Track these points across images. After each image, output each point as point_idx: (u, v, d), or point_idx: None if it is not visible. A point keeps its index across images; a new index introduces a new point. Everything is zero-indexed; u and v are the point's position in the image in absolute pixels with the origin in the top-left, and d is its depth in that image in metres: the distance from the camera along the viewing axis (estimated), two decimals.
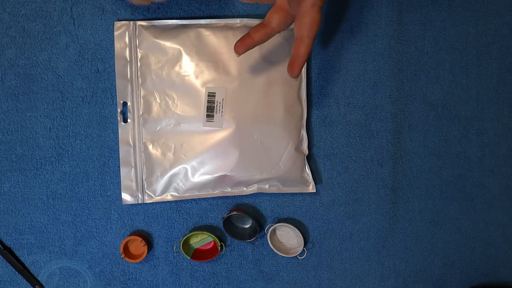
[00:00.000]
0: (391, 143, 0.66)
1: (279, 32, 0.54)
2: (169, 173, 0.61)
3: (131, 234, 0.62)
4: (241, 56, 0.60)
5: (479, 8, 0.66)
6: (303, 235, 0.64)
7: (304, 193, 0.65)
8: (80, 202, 0.62)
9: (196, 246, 0.64)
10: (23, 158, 0.61)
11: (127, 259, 0.61)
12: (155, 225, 0.63)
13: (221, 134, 0.60)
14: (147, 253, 0.62)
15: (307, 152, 0.64)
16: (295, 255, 0.64)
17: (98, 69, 0.62)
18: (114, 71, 0.61)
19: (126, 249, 0.63)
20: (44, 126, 0.61)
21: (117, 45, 0.60)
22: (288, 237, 0.65)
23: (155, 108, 0.60)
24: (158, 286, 0.64)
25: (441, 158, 0.67)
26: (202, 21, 0.61)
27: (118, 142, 0.62)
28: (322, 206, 0.65)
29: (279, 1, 0.52)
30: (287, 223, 0.64)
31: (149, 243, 0.63)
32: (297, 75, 0.52)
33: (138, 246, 0.63)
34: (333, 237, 0.66)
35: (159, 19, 0.62)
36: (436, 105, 0.66)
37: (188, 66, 0.60)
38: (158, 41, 0.60)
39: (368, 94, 0.65)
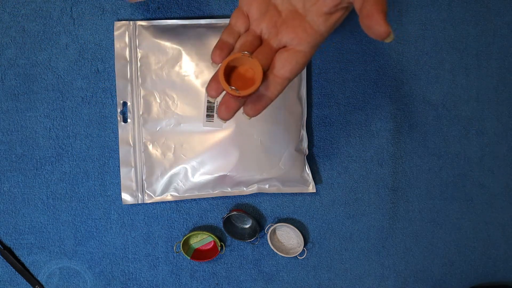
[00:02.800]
0: (391, 143, 0.66)
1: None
2: (169, 173, 0.61)
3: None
4: None
5: (479, 8, 0.66)
6: (303, 235, 0.64)
7: (304, 193, 0.65)
8: (80, 202, 0.62)
9: (196, 246, 0.64)
10: (23, 158, 0.61)
11: (239, 92, 0.38)
12: (155, 225, 0.63)
13: (221, 134, 0.60)
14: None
15: (307, 152, 0.64)
16: (295, 255, 0.64)
17: (98, 69, 0.62)
18: (114, 71, 0.61)
19: (229, 75, 0.40)
20: (44, 126, 0.61)
21: (117, 45, 0.60)
22: (288, 237, 0.65)
23: (155, 108, 0.60)
24: (158, 286, 0.64)
25: (441, 158, 0.67)
26: (202, 21, 0.61)
27: (118, 142, 0.62)
28: (322, 206, 0.65)
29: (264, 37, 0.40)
30: (287, 223, 0.64)
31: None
32: (254, 116, 0.40)
33: (246, 71, 0.40)
34: (333, 237, 0.66)
35: (159, 19, 0.62)
36: (436, 105, 0.66)
37: (188, 66, 0.60)
38: (158, 41, 0.60)
39: (368, 94, 0.65)
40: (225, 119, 0.40)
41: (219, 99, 0.60)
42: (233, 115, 0.40)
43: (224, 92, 0.40)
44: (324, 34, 0.38)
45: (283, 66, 0.39)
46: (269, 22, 0.40)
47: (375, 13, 0.34)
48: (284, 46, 0.39)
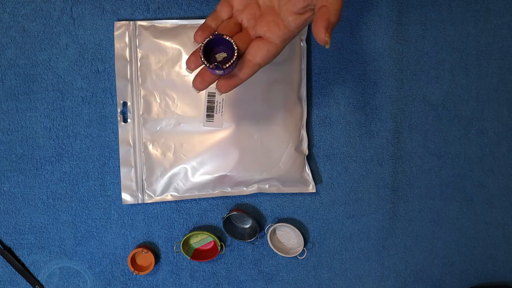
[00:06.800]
0: (391, 143, 0.66)
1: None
2: (169, 173, 0.61)
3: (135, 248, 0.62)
4: None
5: (479, 8, 0.66)
6: (303, 235, 0.64)
7: (304, 193, 0.65)
8: (80, 202, 0.62)
9: (196, 246, 0.64)
10: (23, 158, 0.61)
11: (138, 272, 0.61)
12: (155, 225, 0.63)
13: (221, 134, 0.60)
14: (155, 260, 0.62)
15: (307, 152, 0.64)
16: (295, 255, 0.64)
17: (98, 69, 0.62)
18: (114, 71, 0.61)
19: (133, 263, 0.63)
20: (44, 126, 0.61)
21: (117, 45, 0.60)
22: (288, 237, 0.65)
23: (155, 108, 0.60)
24: (158, 286, 0.64)
25: (441, 158, 0.67)
26: (202, 21, 0.61)
27: (118, 142, 0.62)
28: (322, 206, 0.65)
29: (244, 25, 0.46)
30: (287, 223, 0.64)
31: (153, 251, 0.63)
32: (225, 92, 0.46)
33: (142, 256, 0.63)
34: (333, 237, 0.66)
35: (159, 19, 0.62)
36: (436, 105, 0.66)
37: None
38: (158, 41, 0.60)
39: (368, 94, 0.65)
40: (199, 89, 0.46)
41: (220, 99, 0.60)
42: (206, 87, 0.46)
43: (201, 67, 0.49)
44: (294, 31, 0.44)
45: (255, 53, 0.44)
46: (249, 14, 0.45)
47: (319, 22, 0.40)
48: (260, 37, 0.45)
